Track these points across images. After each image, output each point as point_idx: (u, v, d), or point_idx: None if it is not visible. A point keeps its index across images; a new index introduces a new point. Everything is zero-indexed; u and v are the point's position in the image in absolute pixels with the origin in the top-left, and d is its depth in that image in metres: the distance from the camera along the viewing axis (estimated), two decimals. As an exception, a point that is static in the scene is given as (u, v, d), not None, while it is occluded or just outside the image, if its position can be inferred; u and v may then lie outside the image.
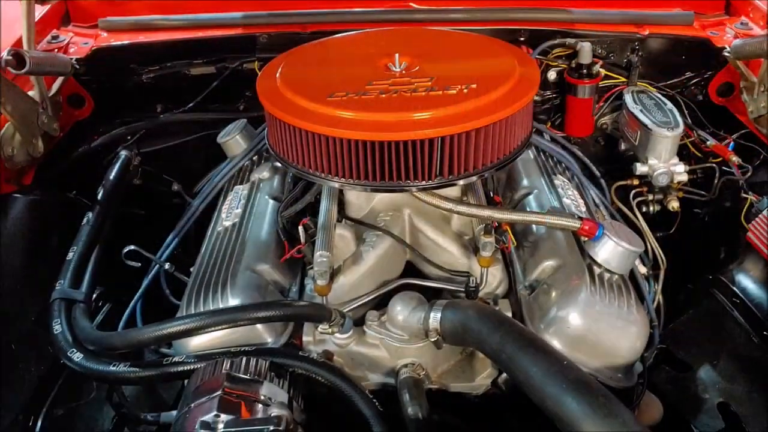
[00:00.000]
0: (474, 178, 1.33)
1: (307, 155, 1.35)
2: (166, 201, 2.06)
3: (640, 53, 2.01)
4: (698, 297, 1.73)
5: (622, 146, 2.01)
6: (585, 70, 1.94)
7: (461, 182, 1.33)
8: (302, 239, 1.43)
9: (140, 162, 2.01)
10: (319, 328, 1.33)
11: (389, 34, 1.69)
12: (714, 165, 1.91)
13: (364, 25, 1.87)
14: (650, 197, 1.91)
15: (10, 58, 1.57)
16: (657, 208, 1.94)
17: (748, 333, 1.56)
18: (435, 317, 1.25)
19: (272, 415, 1.13)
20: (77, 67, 1.89)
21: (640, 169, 1.85)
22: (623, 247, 1.36)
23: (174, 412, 1.44)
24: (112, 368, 1.32)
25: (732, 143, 1.89)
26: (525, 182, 1.69)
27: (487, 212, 1.37)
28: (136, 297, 1.60)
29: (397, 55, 1.46)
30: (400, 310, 1.32)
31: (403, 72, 1.44)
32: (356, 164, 1.30)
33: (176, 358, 1.30)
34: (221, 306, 1.34)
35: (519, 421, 1.38)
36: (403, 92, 1.35)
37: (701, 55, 2.00)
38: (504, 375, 1.37)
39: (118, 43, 1.99)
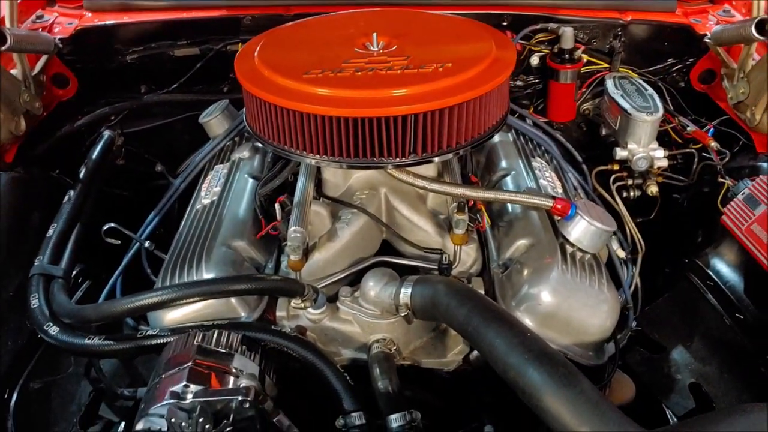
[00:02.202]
0: (449, 156, 1.35)
1: (283, 132, 1.36)
2: (149, 182, 2.07)
3: (622, 39, 2.02)
4: (674, 280, 1.75)
5: (603, 131, 2.02)
6: (567, 56, 1.95)
7: (436, 159, 1.34)
8: (278, 216, 1.44)
9: (123, 142, 2.01)
10: (292, 303, 1.34)
11: (369, 15, 1.69)
12: (693, 151, 1.92)
13: (348, 8, 1.88)
14: (630, 182, 1.92)
15: (-11, 34, 1.58)
16: (637, 193, 1.95)
17: (721, 315, 1.58)
18: (405, 292, 1.26)
19: (241, 386, 1.15)
20: (60, 46, 1.89)
21: (620, 153, 1.86)
22: (595, 226, 1.37)
23: (150, 387, 1.46)
24: (86, 341, 1.33)
25: (712, 129, 1.90)
26: (503, 164, 1.70)
27: (460, 190, 1.39)
28: (115, 274, 1.61)
29: (375, 34, 1.47)
30: (372, 286, 1.33)
31: (381, 51, 1.45)
32: (331, 141, 1.32)
33: (149, 332, 1.31)
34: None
35: (491, 397, 1.39)
36: (378, 70, 1.36)
37: (683, 41, 2.01)
38: (475, 351, 1.38)
39: (103, 23, 1.99)
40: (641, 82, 1.95)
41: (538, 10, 2.01)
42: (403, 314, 1.27)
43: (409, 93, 1.28)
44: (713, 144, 1.83)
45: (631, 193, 1.95)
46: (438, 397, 1.39)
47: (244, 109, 1.57)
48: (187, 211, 1.62)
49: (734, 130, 1.90)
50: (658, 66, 2.06)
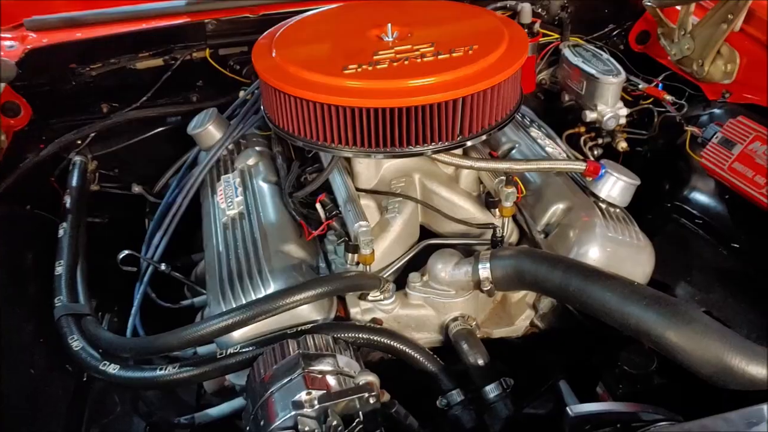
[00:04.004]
0: (493, 132, 1.41)
1: (326, 129, 1.36)
2: (126, 204, 1.97)
3: (569, 10, 2.15)
4: (660, 224, 1.91)
5: (566, 98, 2.15)
6: (526, 30, 2.05)
7: (483, 137, 1.40)
8: (322, 216, 1.43)
9: (97, 167, 1.90)
10: (369, 296, 1.35)
11: (361, 7, 1.70)
12: (650, 106, 2.10)
13: (316, 4, 1.87)
14: (600, 141, 2.06)
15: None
16: (601, 151, 2.11)
17: (716, 247, 1.75)
18: (484, 267, 1.31)
19: (361, 383, 1.15)
20: (19, 71, 1.74)
21: (590, 116, 1.99)
22: (624, 181, 1.49)
23: (210, 411, 1.42)
24: (160, 372, 1.27)
25: (660, 85, 2.09)
26: (504, 138, 1.77)
27: (505, 164, 1.46)
28: (137, 301, 1.54)
29: (389, 25, 1.49)
30: (442, 267, 1.37)
31: (397, 41, 1.48)
32: (375, 132, 1.34)
33: (231, 350, 1.27)
34: (264, 292, 1.31)
35: (554, 355, 1.48)
36: (413, 59, 1.39)
37: (621, 6, 2.19)
38: (540, 312, 1.46)
39: (55, 42, 1.85)
40: (593, 48, 2.11)
41: (496, -12, 2.10)
42: (485, 289, 1.32)
43: (460, 77, 1.33)
44: (668, 97, 2.02)
45: (596, 152, 2.10)
46: (512, 365, 1.45)
47: (263, 110, 1.55)
48: (212, 226, 1.56)
49: (679, 83, 2.09)
50: (600, 32, 2.22)
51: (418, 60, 1.38)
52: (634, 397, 1.34)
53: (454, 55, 1.39)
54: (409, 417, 1.25)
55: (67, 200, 1.71)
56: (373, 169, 1.51)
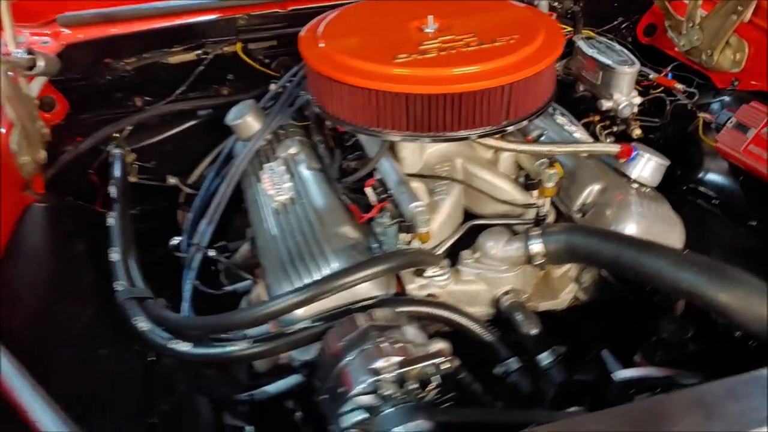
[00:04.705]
0: (536, 117, 1.49)
1: (378, 115, 1.42)
2: (156, 197, 2.01)
3: (581, 4, 2.25)
4: (677, 206, 1.99)
5: (581, 88, 2.23)
6: (543, 23, 2.14)
7: (525, 122, 1.47)
8: (372, 200, 1.50)
9: (135, 159, 1.94)
10: (428, 272, 1.42)
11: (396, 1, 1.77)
12: (661, 95, 2.19)
13: (344, -1, 1.93)
14: (615, 129, 2.15)
15: (30, 57, 1.47)
16: (614, 139, 2.20)
17: (733, 227, 1.85)
18: (537, 243, 1.39)
19: (432, 350, 1.22)
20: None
21: (606, 105, 2.07)
22: (655, 161, 1.58)
23: (267, 388, 1.48)
24: (231, 348, 1.33)
25: (670, 74, 2.19)
26: (532, 125, 1.84)
27: (546, 147, 1.53)
28: (188, 286, 1.59)
29: (430, 17, 1.56)
30: (493, 245, 1.45)
31: (437, 32, 1.55)
32: (428, 117, 1.40)
33: (299, 325, 1.33)
34: (325, 271, 1.38)
35: (596, 325, 1.56)
36: (458, 48, 1.46)
37: (628, 1, 2.29)
38: (583, 285, 1.55)
39: (90, 38, 1.89)
40: (605, 40, 2.20)
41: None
42: (538, 263, 1.39)
43: (506, 64, 1.40)
44: (679, 86, 2.12)
45: (608, 140, 2.20)
46: (556, 336, 1.53)
47: (311, 99, 1.61)
48: (262, 212, 1.61)
49: (687, 72, 2.19)
50: (610, 25, 2.32)
51: (464, 49, 1.45)
52: (670, 365, 1.42)
53: (496, 44, 1.46)
54: (474, 383, 1.32)
55: (113, 191, 1.75)
56: (417, 154, 1.58)
